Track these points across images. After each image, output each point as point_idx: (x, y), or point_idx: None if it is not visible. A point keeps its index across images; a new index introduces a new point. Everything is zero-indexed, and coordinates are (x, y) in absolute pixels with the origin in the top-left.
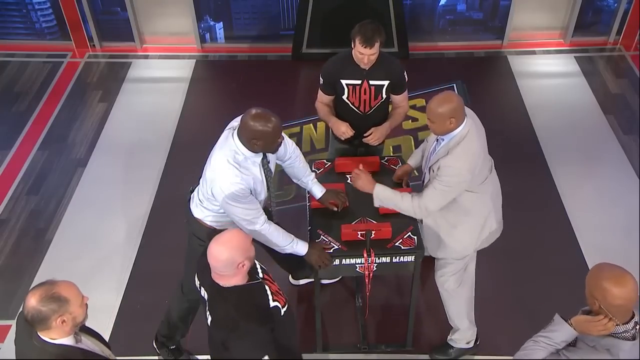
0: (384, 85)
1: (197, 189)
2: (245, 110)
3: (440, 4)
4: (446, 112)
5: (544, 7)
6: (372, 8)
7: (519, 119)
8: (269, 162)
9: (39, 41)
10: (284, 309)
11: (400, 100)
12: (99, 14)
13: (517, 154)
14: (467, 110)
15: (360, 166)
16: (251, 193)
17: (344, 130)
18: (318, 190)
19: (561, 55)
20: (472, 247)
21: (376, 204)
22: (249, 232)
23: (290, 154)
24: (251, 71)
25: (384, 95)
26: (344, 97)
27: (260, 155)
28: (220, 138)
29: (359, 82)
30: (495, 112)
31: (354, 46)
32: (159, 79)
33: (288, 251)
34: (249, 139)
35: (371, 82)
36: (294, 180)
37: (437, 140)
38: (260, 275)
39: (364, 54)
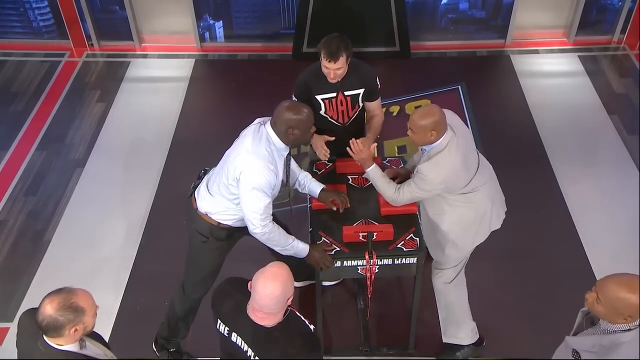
0: (359, 93)
1: (205, 182)
2: (245, 110)
3: (442, 2)
4: (428, 125)
5: (548, 6)
6: (374, 6)
7: (521, 118)
8: (290, 163)
9: (37, 40)
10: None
11: (375, 107)
12: (97, 13)
13: (520, 154)
14: (452, 117)
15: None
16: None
17: (322, 152)
18: (317, 187)
19: (565, 55)
20: (470, 247)
21: (365, 176)
22: (253, 229)
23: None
24: (251, 71)
25: (361, 104)
26: (321, 112)
27: (288, 149)
28: (248, 130)
29: (333, 94)
30: (498, 111)
31: (321, 59)
32: (158, 79)
33: (289, 252)
34: (285, 129)
35: (346, 93)
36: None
37: (421, 149)
38: None
39: (329, 69)
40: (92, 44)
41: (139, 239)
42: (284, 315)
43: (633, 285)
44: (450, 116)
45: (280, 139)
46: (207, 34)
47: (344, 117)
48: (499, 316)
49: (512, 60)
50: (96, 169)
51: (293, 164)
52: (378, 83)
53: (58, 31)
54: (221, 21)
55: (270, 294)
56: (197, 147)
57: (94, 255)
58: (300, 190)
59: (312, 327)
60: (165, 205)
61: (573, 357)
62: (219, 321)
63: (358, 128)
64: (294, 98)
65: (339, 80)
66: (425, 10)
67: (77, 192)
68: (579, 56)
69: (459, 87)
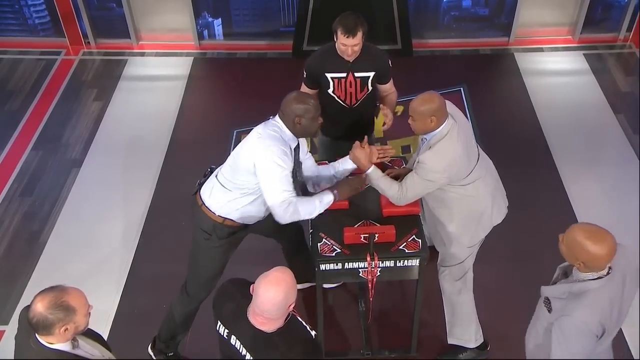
0: (369, 76)
1: (215, 177)
2: (245, 109)
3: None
4: (427, 111)
5: (552, 3)
6: (375, 4)
7: (526, 117)
8: (298, 156)
9: (32, 38)
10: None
11: (389, 88)
12: (93, 10)
13: (524, 154)
14: (451, 107)
15: (365, 144)
16: None
17: None
18: (346, 161)
19: (569, 53)
20: (472, 242)
21: (366, 181)
22: (276, 201)
23: (305, 152)
24: (250, 69)
25: (370, 87)
26: (330, 91)
27: (296, 141)
28: (258, 126)
29: (343, 74)
30: (501, 111)
31: (337, 38)
32: (156, 77)
33: (320, 210)
34: (292, 118)
35: (356, 75)
36: (323, 182)
37: (422, 139)
38: None
39: (347, 45)
40: (88, 42)
41: (137, 240)
42: (285, 321)
43: (594, 234)
44: (451, 107)
45: (289, 129)
46: (205, 32)
47: (351, 99)
48: (502, 317)
49: (516, 59)
50: (93, 168)
51: (313, 166)
52: (390, 65)
53: (54, 29)
54: (220, 19)
55: (272, 299)
56: (196, 147)
57: (91, 257)
58: (334, 180)
59: (313, 332)
60: (164, 205)
61: (545, 305)
62: (219, 323)
63: (364, 112)
64: (304, 73)
65: (351, 60)
66: (427, 8)
67: (73, 193)
68: (584, 54)
69: (461, 88)
